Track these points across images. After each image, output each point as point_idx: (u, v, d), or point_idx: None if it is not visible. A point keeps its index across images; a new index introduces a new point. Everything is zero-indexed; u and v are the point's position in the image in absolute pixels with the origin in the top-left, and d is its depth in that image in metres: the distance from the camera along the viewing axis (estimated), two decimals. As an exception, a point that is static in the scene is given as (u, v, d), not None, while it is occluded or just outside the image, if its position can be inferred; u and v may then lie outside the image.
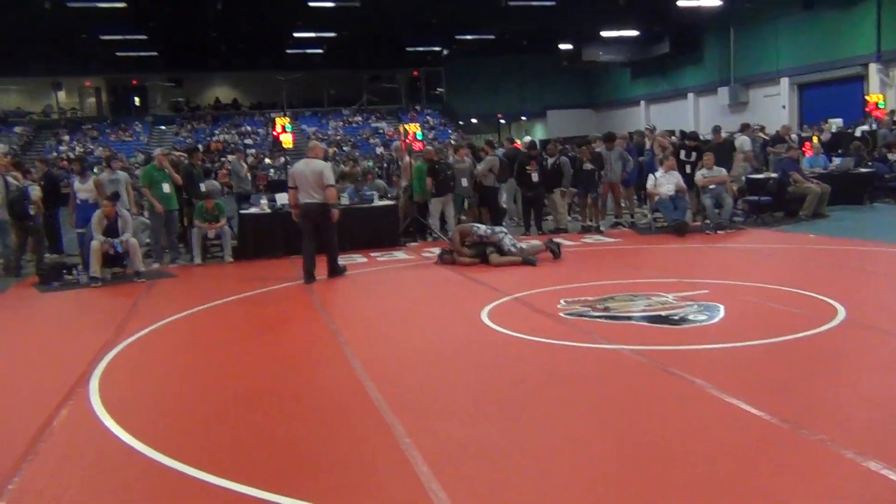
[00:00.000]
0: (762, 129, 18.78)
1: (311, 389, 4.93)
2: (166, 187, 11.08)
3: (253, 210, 12.01)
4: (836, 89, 25.94)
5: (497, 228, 10.00)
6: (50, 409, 4.67)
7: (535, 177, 12.54)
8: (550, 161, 12.86)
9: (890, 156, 15.25)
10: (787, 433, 3.72)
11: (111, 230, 9.87)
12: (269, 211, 11.82)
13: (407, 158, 13.62)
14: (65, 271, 10.15)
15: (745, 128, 18.06)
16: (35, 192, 11.09)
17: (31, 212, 10.86)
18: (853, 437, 3.61)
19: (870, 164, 15.01)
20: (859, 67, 24.46)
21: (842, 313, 6.03)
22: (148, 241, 11.77)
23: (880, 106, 21.27)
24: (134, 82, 41.77)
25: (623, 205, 13.57)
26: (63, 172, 22.40)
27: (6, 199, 10.75)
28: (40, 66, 35.94)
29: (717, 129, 14.45)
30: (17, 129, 36.73)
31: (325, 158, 17.58)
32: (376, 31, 33.27)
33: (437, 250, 10.45)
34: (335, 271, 9.42)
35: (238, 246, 11.65)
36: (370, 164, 28.99)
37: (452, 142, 27.90)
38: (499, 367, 5.11)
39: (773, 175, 13.55)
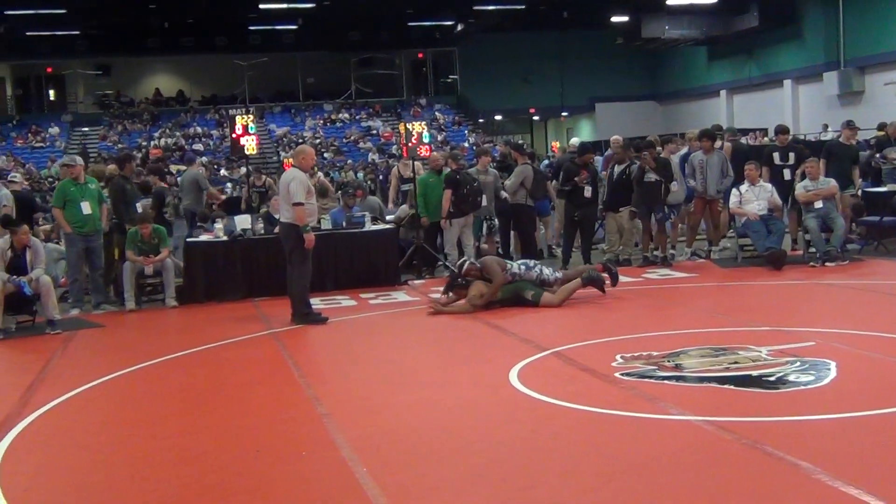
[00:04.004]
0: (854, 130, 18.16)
1: (281, 480, 4.90)
2: (86, 207, 11.06)
3: (204, 238, 12.08)
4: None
5: (528, 262, 10.34)
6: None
7: (587, 191, 12.56)
8: (618, 170, 12.82)
9: None
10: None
11: (17, 265, 9.82)
12: (224, 238, 11.89)
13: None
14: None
15: None
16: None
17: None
18: None
19: None
20: None
21: None
22: (64, 277, 11.84)
23: None
24: (48, 70, 42.31)
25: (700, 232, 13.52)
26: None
27: None
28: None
29: (850, 125, 13.72)
30: None
31: (315, 168, 17.94)
32: (368, 1, 33.54)
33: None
34: (300, 317, 9.59)
35: (184, 285, 11.71)
36: (360, 175, 29.17)
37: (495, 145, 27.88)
38: (537, 451, 5.08)
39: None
